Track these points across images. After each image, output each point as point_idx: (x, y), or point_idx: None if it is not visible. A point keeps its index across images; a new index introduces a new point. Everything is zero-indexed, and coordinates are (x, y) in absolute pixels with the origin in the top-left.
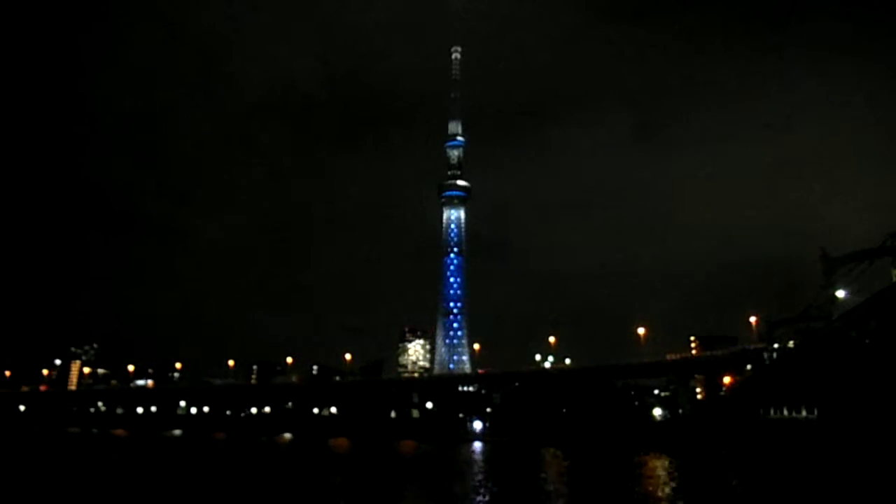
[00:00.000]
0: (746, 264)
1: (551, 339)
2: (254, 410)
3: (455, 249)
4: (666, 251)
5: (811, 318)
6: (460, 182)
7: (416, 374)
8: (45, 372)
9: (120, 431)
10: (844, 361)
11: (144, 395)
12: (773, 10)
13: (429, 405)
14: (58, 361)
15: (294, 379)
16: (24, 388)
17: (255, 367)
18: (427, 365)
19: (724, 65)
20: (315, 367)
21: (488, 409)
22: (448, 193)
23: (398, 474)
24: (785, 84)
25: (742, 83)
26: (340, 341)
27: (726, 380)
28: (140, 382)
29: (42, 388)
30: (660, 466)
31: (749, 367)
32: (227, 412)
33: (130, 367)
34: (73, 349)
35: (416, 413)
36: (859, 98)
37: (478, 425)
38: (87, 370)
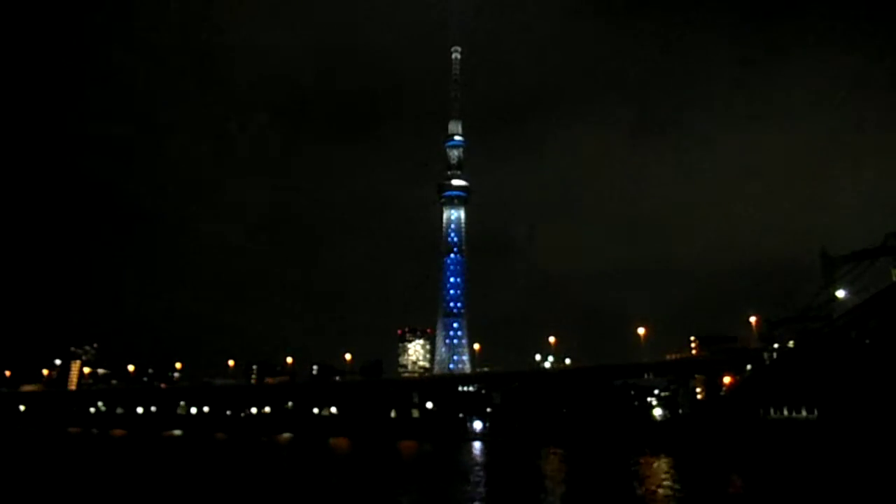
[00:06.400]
0: (746, 264)
1: (551, 339)
2: (254, 410)
3: (455, 249)
4: (666, 251)
5: (811, 318)
6: (460, 182)
7: (416, 374)
8: (45, 372)
9: (120, 431)
10: (844, 361)
11: (144, 395)
12: (775, 6)
13: (429, 405)
14: (58, 361)
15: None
16: (26, 388)
17: (254, 367)
18: (427, 365)
19: (725, 62)
20: (315, 367)
21: (488, 409)
22: (448, 193)
23: (399, 474)
24: (786, 82)
25: (743, 81)
26: (340, 341)
27: (726, 380)
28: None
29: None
30: (660, 466)
31: (749, 367)
32: (227, 412)
33: (130, 367)
34: (73, 349)
35: (416, 413)
36: (860, 97)
37: (478, 425)
38: (87, 370)
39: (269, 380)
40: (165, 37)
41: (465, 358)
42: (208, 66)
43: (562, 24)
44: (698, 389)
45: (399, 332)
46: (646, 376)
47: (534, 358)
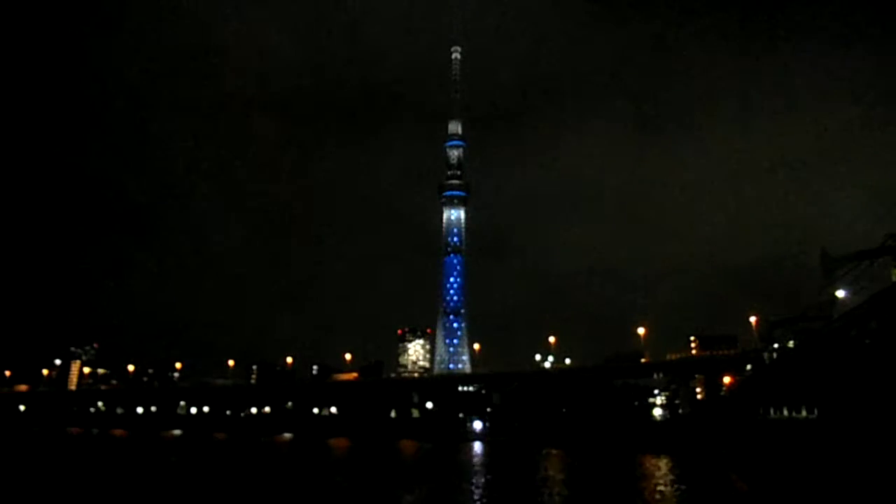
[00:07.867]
0: (746, 264)
1: (551, 339)
2: (254, 410)
3: (455, 249)
4: (666, 251)
5: (811, 318)
6: (460, 182)
7: (416, 374)
8: (45, 372)
9: (120, 431)
10: (844, 361)
11: (144, 395)
12: (775, 5)
13: (429, 405)
14: (58, 361)
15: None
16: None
17: (254, 367)
18: (427, 365)
19: (725, 61)
20: (315, 367)
21: (488, 409)
22: (448, 193)
23: (399, 474)
24: (786, 82)
25: (743, 80)
26: (340, 341)
27: (726, 380)
28: None
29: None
30: (660, 466)
31: (749, 367)
32: (227, 412)
33: (130, 367)
34: (73, 349)
35: (416, 413)
36: (861, 95)
37: (478, 425)
38: (87, 370)
39: (335, 376)
40: (165, 39)
41: (465, 358)
42: (207, 67)
43: (562, 24)
44: (698, 389)
45: (399, 332)
46: (655, 376)
47: (534, 358)
